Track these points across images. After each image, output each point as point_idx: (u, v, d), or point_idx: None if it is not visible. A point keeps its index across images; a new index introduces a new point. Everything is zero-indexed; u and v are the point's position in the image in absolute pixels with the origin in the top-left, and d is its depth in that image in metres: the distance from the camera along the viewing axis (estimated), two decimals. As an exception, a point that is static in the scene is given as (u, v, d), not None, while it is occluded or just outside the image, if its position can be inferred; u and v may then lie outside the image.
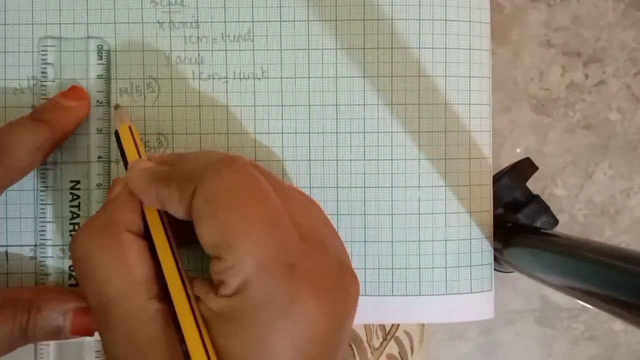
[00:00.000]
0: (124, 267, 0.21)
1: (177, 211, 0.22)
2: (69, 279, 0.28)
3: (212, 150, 0.28)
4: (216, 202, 0.21)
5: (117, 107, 0.29)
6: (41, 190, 0.28)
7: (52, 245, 0.28)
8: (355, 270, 0.27)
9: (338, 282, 0.21)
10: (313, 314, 0.20)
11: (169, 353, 0.21)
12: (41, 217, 0.28)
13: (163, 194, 0.22)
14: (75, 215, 0.28)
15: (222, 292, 0.20)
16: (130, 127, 0.27)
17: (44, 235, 0.28)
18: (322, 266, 0.21)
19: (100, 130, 0.29)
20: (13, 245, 0.28)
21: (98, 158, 0.29)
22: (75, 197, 0.29)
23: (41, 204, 0.28)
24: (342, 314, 0.21)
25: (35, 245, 0.29)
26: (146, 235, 0.23)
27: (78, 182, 0.29)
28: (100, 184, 0.28)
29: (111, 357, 0.22)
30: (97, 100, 0.29)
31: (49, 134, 0.26)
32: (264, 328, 0.20)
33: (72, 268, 0.28)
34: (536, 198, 0.30)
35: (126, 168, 0.25)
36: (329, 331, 0.21)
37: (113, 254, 0.22)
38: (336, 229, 0.29)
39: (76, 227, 0.28)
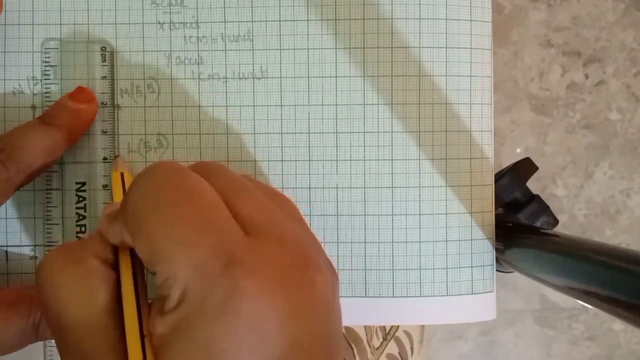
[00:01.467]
0: (86, 290, 0.21)
1: (130, 241, 0.21)
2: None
3: None
4: (140, 215, 0.20)
5: (116, 157, 0.29)
6: (47, 192, 0.28)
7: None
8: (353, 272, 0.27)
9: (295, 276, 0.20)
10: (260, 309, 0.19)
11: None
12: (47, 219, 0.28)
13: (116, 229, 0.22)
14: (81, 217, 0.28)
15: (166, 308, 0.19)
16: (122, 174, 0.27)
17: (50, 237, 0.28)
18: (272, 260, 0.20)
19: (105, 132, 0.29)
20: (13, 245, 0.28)
21: (103, 159, 0.29)
22: (81, 198, 0.29)
23: (47, 206, 0.28)
24: (302, 309, 0.20)
25: (36, 245, 0.29)
26: (117, 270, 0.22)
27: (84, 183, 0.29)
28: (106, 185, 0.28)
29: None
30: (102, 102, 0.29)
31: (61, 137, 0.27)
32: (209, 331, 0.18)
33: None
34: (536, 198, 0.30)
35: None
36: (286, 327, 0.19)
37: (77, 275, 0.21)
38: (331, 225, 0.28)
39: (83, 228, 0.28)
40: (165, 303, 0.19)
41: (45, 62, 0.29)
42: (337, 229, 0.29)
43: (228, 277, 0.18)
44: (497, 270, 0.31)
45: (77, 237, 0.28)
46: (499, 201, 0.30)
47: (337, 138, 0.29)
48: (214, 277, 0.19)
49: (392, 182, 0.29)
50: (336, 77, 0.29)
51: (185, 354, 0.19)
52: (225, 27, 0.29)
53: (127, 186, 0.27)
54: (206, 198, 0.21)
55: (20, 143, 0.26)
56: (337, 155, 0.29)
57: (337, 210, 0.29)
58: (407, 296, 0.29)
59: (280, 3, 0.29)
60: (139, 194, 0.20)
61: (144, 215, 0.20)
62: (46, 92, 0.28)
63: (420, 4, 0.29)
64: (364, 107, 0.29)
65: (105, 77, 0.29)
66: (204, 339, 0.18)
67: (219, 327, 0.18)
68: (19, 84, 0.29)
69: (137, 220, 0.20)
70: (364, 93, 0.29)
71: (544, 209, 0.29)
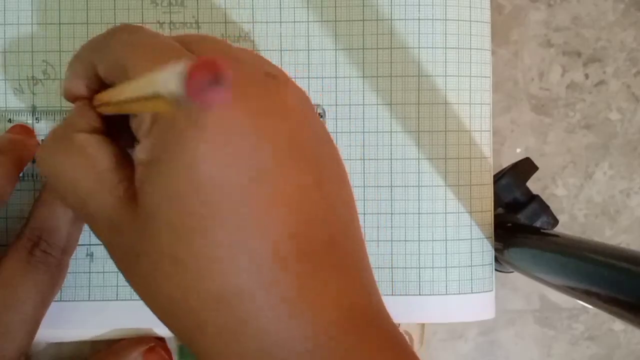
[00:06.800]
0: (86, 161, 0.21)
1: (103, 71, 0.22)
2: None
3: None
4: (123, 55, 0.20)
5: None
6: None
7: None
8: None
9: (257, 84, 0.20)
10: (226, 114, 0.18)
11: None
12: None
13: (87, 63, 0.22)
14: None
15: (142, 134, 0.20)
16: None
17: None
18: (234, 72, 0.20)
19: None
20: (13, 246, 0.28)
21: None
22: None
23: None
24: (272, 112, 0.19)
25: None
26: (109, 131, 0.23)
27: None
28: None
29: (107, 246, 0.21)
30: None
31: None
32: (184, 145, 0.18)
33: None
34: (536, 198, 0.30)
35: None
36: (259, 129, 0.19)
37: (72, 154, 0.21)
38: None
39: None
40: (140, 129, 0.20)
41: (46, 61, 0.29)
42: (337, 229, 0.29)
43: None
44: (497, 270, 0.31)
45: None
46: (498, 201, 0.30)
47: (336, 138, 0.29)
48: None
49: (391, 181, 0.29)
50: (336, 77, 0.29)
51: (166, 172, 0.19)
52: (226, 28, 0.29)
53: None
54: (164, 37, 0.21)
55: (51, 224, 0.26)
56: (337, 155, 0.29)
57: (337, 210, 0.29)
58: (406, 294, 0.29)
59: (280, 4, 0.29)
60: (121, 38, 0.21)
61: (126, 55, 0.20)
62: (47, 92, 0.29)
63: (419, 5, 0.29)
64: (364, 107, 0.29)
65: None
66: (180, 152, 0.18)
67: (193, 138, 0.18)
68: (19, 84, 0.29)
69: (118, 59, 0.20)
70: (363, 93, 0.29)
71: (544, 209, 0.29)
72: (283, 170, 0.19)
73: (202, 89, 0.12)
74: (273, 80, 0.20)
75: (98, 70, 0.22)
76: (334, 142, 0.23)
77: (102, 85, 0.22)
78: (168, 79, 0.13)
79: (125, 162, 0.21)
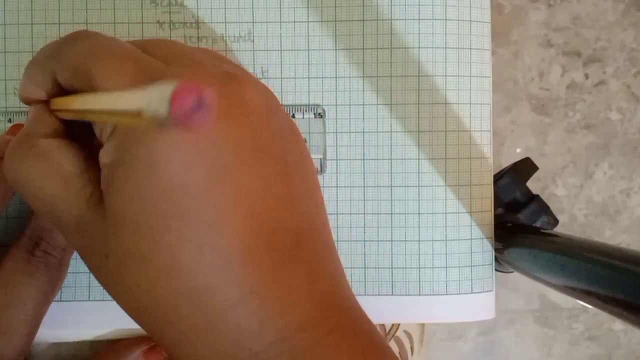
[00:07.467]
0: (51, 167, 0.21)
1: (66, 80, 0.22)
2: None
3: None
4: (79, 60, 0.20)
5: None
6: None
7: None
8: (353, 270, 0.26)
9: (216, 82, 0.20)
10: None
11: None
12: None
13: (47, 70, 0.22)
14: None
15: (105, 137, 0.20)
16: None
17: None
18: (192, 75, 0.20)
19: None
20: (13, 246, 0.28)
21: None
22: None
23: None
24: (233, 114, 0.19)
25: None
26: (71, 133, 0.22)
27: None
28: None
29: (77, 249, 0.21)
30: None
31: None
32: (145, 144, 0.18)
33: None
34: (536, 198, 0.30)
35: None
36: (221, 129, 0.19)
37: (36, 160, 0.21)
38: (331, 223, 0.28)
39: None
40: (102, 134, 0.20)
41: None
42: (337, 227, 0.29)
43: None
44: (497, 270, 0.31)
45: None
46: (499, 201, 0.30)
47: (336, 138, 0.29)
48: None
49: (391, 181, 0.29)
50: (336, 77, 0.29)
51: (130, 174, 0.19)
52: (226, 28, 0.29)
53: None
54: (123, 42, 0.21)
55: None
56: (337, 154, 0.29)
57: (337, 209, 0.29)
58: (406, 294, 0.29)
59: (280, 4, 0.29)
60: (80, 44, 0.21)
61: (87, 62, 0.20)
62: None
63: (419, 5, 0.29)
64: (364, 107, 0.29)
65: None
66: (143, 154, 0.18)
67: (153, 138, 0.18)
68: (19, 84, 0.29)
69: (80, 66, 0.20)
70: (363, 93, 0.29)
71: (544, 209, 0.29)
72: (246, 167, 0.19)
73: (187, 113, 0.13)
74: (233, 78, 0.20)
75: (57, 77, 0.22)
76: (301, 135, 0.23)
77: (60, 89, 0.22)
78: (153, 100, 0.13)
79: (90, 165, 0.21)
